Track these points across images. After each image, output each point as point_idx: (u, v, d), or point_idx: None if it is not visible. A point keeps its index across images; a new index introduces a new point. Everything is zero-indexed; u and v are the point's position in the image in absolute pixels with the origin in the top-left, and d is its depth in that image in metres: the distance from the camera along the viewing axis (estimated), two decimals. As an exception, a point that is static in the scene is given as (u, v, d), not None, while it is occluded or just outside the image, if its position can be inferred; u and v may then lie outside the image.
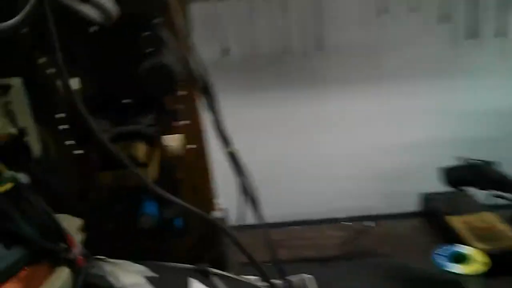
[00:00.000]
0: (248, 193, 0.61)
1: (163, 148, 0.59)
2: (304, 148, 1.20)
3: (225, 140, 0.58)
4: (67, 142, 0.56)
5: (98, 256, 0.44)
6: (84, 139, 0.53)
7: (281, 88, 1.20)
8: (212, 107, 0.54)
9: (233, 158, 0.59)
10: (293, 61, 1.17)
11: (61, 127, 0.55)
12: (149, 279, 0.45)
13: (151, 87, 0.49)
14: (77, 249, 0.35)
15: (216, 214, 0.63)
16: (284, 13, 1.14)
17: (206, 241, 0.64)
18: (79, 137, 0.54)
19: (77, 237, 0.39)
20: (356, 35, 1.15)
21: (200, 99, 0.54)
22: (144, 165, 0.52)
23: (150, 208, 0.58)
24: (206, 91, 0.51)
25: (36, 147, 0.41)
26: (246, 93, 1.20)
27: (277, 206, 1.11)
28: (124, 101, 0.53)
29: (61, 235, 0.36)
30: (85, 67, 0.52)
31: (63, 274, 0.35)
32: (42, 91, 0.54)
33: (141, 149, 0.52)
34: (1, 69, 0.42)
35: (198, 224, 0.64)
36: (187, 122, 0.58)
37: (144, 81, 0.49)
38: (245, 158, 0.59)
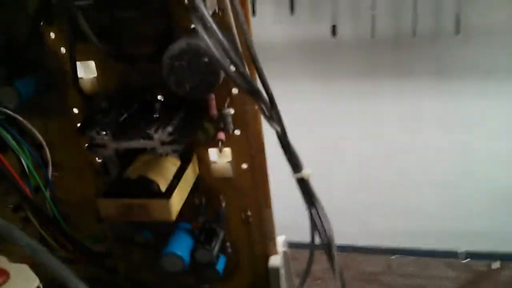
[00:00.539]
0: (322, 233, 0.43)
1: (204, 166, 0.42)
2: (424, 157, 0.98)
3: (294, 162, 0.40)
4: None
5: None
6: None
7: (400, 78, 0.98)
8: (273, 116, 0.36)
9: (304, 186, 0.41)
10: (418, 46, 0.94)
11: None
12: None
13: (177, 82, 0.33)
14: None
15: (274, 259, 0.45)
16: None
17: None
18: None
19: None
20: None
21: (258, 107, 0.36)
22: (161, 194, 0.35)
23: (179, 247, 0.42)
24: (258, 95, 0.33)
25: None
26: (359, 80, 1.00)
27: (372, 227, 0.92)
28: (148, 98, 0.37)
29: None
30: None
31: None
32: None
33: (150, 165, 0.36)
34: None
35: (250, 267, 0.47)
36: (239, 132, 0.40)
37: (167, 72, 0.33)
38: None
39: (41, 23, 0.39)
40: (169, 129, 0.32)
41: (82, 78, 0.40)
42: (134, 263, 0.48)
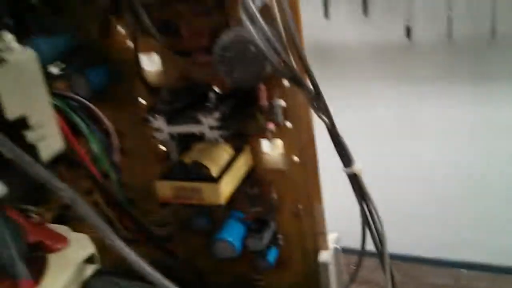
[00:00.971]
0: (374, 227, 0.43)
1: (256, 157, 0.44)
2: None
3: (344, 155, 0.40)
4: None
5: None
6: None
7: (478, 82, 0.93)
8: (320, 106, 0.37)
9: (356, 181, 0.41)
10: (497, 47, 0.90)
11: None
12: None
13: (226, 71, 0.34)
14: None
15: (325, 254, 0.46)
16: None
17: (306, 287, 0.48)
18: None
19: (60, 278, 0.27)
20: None
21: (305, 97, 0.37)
22: (212, 179, 0.37)
23: (231, 233, 0.44)
24: (301, 83, 0.34)
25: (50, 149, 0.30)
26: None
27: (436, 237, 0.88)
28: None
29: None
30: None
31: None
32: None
33: (205, 152, 0.38)
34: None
35: (301, 261, 0.47)
36: (290, 125, 0.41)
37: (217, 62, 0.35)
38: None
39: (111, 18, 0.42)
40: (216, 114, 0.34)
41: (147, 70, 0.44)
42: (193, 249, 0.50)
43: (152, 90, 0.44)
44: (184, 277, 0.52)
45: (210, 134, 0.34)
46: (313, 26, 1.06)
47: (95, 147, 0.42)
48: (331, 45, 1.06)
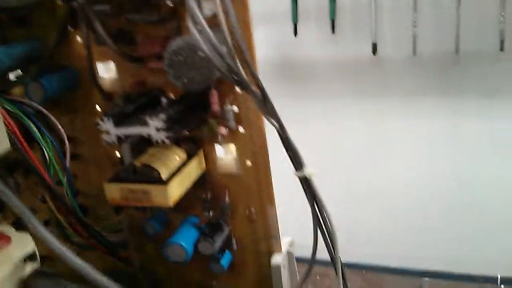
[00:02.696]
0: (325, 230, 0.44)
1: (209, 162, 0.44)
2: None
3: (296, 159, 0.42)
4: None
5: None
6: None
7: (444, 96, 0.96)
8: (268, 110, 0.38)
9: (307, 185, 0.42)
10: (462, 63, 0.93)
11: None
12: None
13: (176, 75, 0.35)
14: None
15: (277, 257, 0.46)
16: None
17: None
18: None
19: None
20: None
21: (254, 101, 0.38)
22: (161, 181, 0.38)
23: (183, 237, 0.44)
24: (246, 86, 0.35)
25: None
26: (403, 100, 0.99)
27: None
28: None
29: None
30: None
31: None
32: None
33: (156, 156, 0.39)
34: None
35: (255, 265, 0.48)
36: (243, 130, 0.42)
37: (167, 66, 0.36)
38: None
39: (68, 28, 0.43)
40: (162, 116, 0.35)
41: (102, 77, 0.44)
42: (148, 255, 0.50)
43: (107, 97, 0.45)
44: (141, 284, 0.52)
45: (157, 136, 0.35)
46: (282, 44, 1.08)
47: (47, 152, 0.43)
48: (299, 62, 1.08)
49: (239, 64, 0.35)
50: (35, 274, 0.31)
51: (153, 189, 0.38)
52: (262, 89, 0.36)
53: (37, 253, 0.32)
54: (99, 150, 0.48)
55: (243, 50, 0.34)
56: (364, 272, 0.85)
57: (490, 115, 0.94)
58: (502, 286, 0.83)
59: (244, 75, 0.34)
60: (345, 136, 1.04)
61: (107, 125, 0.36)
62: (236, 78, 0.33)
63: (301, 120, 1.02)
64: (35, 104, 0.42)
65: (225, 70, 0.33)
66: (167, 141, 0.35)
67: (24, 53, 0.45)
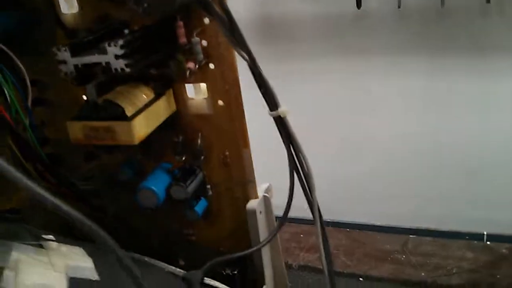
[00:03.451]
0: (302, 173, 0.42)
1: (179, 103, 0.42)
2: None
3: (270, 98, 0.39)
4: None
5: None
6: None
7: (429, 52, 0.94)
8: (236, 39, 0.35)
9: (282, 124, 0.40)
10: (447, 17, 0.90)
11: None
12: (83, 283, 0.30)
13: (137, 2, 0.33)
14: None
15: (253, 202, 0.45)
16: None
17: (237, 239, 0.47)
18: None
19: None
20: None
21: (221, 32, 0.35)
22: (125, 117, 0.36)
23: (154, 182, 0.42)
24: (210, 7, 0.32)
25: None
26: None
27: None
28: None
29: None
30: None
31: None
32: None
33: (121, 93, 0.36)
34: None
35: (231, 211, 0.46)
36: (213, 66, 0.40)
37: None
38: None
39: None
40: (121, 42, 0.32)
41: (64, 13, 0.42)
42: (121, 204, 0.48)
43: (70, 33, 0.42)
44: (114, 234, 0.51)
45: (116, 64, 0.33)
46: (264, 1, 1.05)
47: (7, 92, 0.40)
48: (282, 19, 1.05)
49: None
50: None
51: (117, 125, 0.36)
52: (229, 14, 0.33)
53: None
54: (67, 95, 0.46)
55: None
56: (348, 230, 0.84)
57: (477, 71, 0.92)
58: (488, 243, 0.82)
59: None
60: (329, 94, 1.01)
61: (63, 54, 0.33)
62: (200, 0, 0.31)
63: (283, 79, 1.00)
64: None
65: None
66: (127, 69, 0.33)
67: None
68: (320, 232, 0.43)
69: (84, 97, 0.45)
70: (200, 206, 0.45)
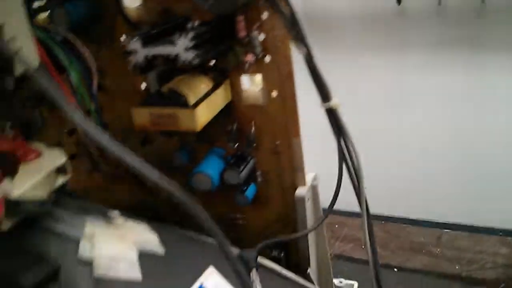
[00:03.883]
0: (351, 165, 0.43)
1: (235, 93, 0.44)
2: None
3: (323, 90, 0.41)
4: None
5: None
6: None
7: (468, 49, 0.94)
8: (297, 35, 0.37)
9: (333, 117, 0.42)
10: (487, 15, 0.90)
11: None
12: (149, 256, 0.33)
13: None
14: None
15: (302, 190, 0.47)
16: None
17: (284, 224, 0.49)
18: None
19: (29, 179, 0.28)
20: None
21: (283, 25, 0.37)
22: (186, 105, 0.38)
23: (209, 167, 0.44)
24: (276, 4, 0.34)
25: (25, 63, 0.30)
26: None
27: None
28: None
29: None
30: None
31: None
32: None
33: (183, 82, 0.39)
34: None
35: (279, 197, 0.48)
36: (268, 59, 0.42)
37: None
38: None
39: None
40: (190, 35, 0.34)
41: (128, 7, 0.44)
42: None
43: (133, 26, 0.44)
44: (165, 215, 0.53)
45: (185, 56, 0.35)
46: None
47: (74, 78, 0.43)
48: (323, 14, 1.06)
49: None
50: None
51: (181, 113, 0.38)
52: (292, 11, 0.35)
53: (67, 166, 0.32)
54: (124, 82, 0.48)
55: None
56: (382, 222, 0.86)
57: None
58: (523, 240, 0.82)
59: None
60: (366, 89, 1.02)
61: (135, 44, 0.36)
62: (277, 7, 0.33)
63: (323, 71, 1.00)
64: (62, 31, 0.42)
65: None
66: (194, 61, 0.35)
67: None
68: (366, 223, 0.45)
69: (143, 85, 0.47)
70: (250, 192, 0.47)
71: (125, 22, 0.44)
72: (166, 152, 0.49)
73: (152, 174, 0.23)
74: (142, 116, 0.39)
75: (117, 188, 0.53)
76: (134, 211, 0.54)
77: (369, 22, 1.01)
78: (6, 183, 0.26)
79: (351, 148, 0.43)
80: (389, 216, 0.88)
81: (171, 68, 0.42)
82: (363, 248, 0.81)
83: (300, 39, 0.37)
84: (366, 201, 0.45)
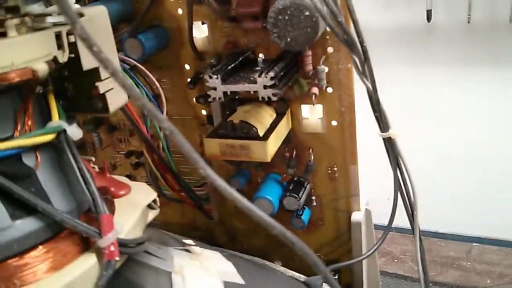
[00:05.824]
0: (405, 193, 0.45)
1: (295, 121, 0.46)
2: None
3: (382, 120, 0.43)
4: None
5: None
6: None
7: (497, 66, 0.95)
8: (367, 74, 0.39)
9: (391, 146, 0.44)
10: None
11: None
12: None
13: (279, 35, 0.37)
14: (110, 236, 0.26)
15: (357, 215, 0.48)
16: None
17: (336, 246, 0.50)
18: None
19: (129, 218, 0.30)
20: None
21: (352, 61, 0.39)
22: (259, 137, 0.40)
23: (270, 192, 0.46)
24: (354, 46, 0.36)
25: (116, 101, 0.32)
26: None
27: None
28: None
29: (96, 211, 0.27)
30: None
31: (85, 262, 0.26)
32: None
33: (251, 113, 0.40)
34: None
35: (333, 222, 0.50)
36: (331, 90, 0.44)
37: (271, 26, 0.37)
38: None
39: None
40: (271, 74, 0.36)
41: (195, 37, 0.46)
42: (228, 210, 0.53)
43: (199, 56, 0.46)
44: (218, 237, 0.55)
45: (264, 93, 0.37)
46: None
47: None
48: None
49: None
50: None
51: (253, 144, 0.40)
52: (364, 49, 0.37)
53: (157, 201, 0.34)
54: (185, 108, 0.50)
55: (350, 7, 0.35)
56: (413, 236, 0.87)
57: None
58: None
59: (353, 34, 0.35)
60: (394, 103, 1.03)
61: (215, 81, 0.37)
62: (345, 37, 0.34)
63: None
64: (130, 60, 0.44)
65: (336, 28, 0.34)
66: (273, 98, 0.37)
67: (116, 11, 0.46)
68: (419, 248, 0.46)
69: (203, 112, 0.49)
70: (306, 215, 0.49)
71: (193, 52, 0.46)
72: (222, 177, 0.51)
73: (264, 218, 0.24)
74: (212, 146, 0.41)
75: (169, 209, 0.55)
76: (185, 231, 0.56)
77: (397, 37, 1.03)
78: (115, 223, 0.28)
79: (406, 177, 0.45)
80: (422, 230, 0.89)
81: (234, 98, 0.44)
82: (395, 262, 0.82)
83: (368, 74, 0.39)
84: (419, 228, 0.47)
